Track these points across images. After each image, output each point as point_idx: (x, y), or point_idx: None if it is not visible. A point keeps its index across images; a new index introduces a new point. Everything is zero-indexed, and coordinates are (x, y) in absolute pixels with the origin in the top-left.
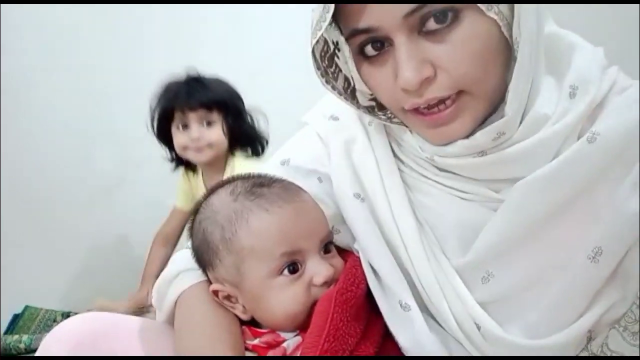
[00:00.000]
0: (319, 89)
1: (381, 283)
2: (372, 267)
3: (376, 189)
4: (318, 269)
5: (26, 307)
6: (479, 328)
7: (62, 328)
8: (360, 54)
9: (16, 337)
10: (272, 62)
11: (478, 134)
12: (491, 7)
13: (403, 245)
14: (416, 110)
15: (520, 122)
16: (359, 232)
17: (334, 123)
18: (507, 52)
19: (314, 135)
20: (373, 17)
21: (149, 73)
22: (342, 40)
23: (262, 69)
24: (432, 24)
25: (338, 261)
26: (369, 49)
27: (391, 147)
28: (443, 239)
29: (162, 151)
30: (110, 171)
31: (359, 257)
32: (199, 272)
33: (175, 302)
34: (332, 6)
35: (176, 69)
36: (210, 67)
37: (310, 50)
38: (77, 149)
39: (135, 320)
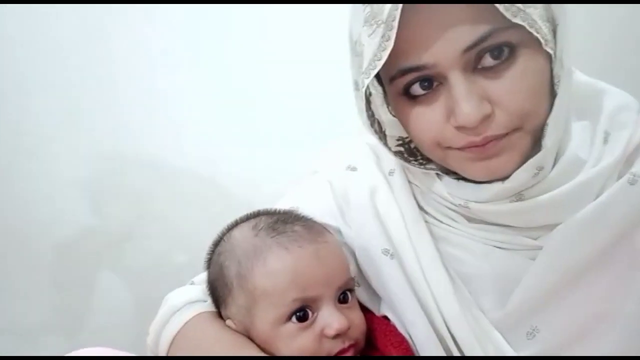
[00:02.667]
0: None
1: (415, 348)
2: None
3: (404, 243)
4: (330, 319)
5: None
6: None
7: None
8: (403, 95)
9: None
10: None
11: (518, 172)
12: (547, 41)
13: (435, 304)
14: (463, 149)
15: (555, 164)
16: (390, 292)
17: (352, 174)
18: (551, 92)
19: (326, 185)
20: (429, 53)
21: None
22: (374, 83)
23: None
24: (488, 60)
25: (356, 314)
26: (416, 89)
27: (415, 198)
28: (478, 293)
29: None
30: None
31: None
32: (203, 304)
33: (176, 336)
34: (391, 43)
35: None
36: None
37: (363, 90)
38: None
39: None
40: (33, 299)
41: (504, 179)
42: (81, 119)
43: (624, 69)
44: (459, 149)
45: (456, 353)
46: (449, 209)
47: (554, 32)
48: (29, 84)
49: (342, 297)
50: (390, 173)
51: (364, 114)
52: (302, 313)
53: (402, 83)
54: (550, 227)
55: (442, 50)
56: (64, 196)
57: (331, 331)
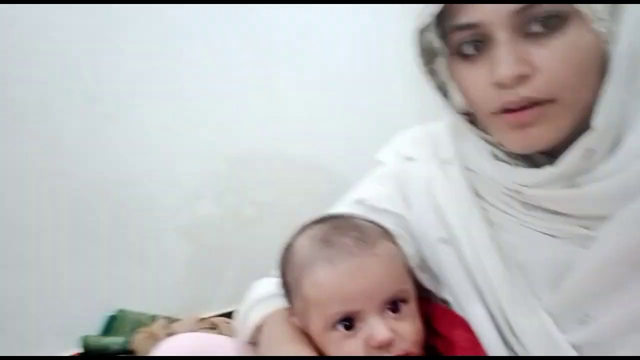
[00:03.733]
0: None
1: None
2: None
3: (460, 230)
4: (374, 330)
5: (119, 310)
6: None
7: (168, 345)
8: (456, 54)
9: (112, 338)
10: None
11: (566, 154)
12: (599, 19)
13: (491, 289)
14: (501, 113)
15: (614, 154)
16: (447, 278)
17: (410, 164)
18: (604, 70)
19: (390, 175)
20: (480, 12)
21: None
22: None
23: None
24: (536, 27)
25: (407, 325)
26: (468, 48)
27: (474, 187)
28: (532, 280)
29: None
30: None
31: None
32: (281, 298)
33: (256, 327)
34: None
35: None
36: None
37: (416, 30)
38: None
39: (229, 340)
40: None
41: (552, 161)
42: (196, 117)
43: None
44: (499, 113)
45: (510, 337)
46: (505, 194)
47: (614, 14)
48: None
49: (393, 307)
50: (448, 161)
51: (420, 60)
52: (348, 322)
53: (454, 41)
54: (604, 218)
55: (493, 10)
56: (187, 187)
57: (374, 342)
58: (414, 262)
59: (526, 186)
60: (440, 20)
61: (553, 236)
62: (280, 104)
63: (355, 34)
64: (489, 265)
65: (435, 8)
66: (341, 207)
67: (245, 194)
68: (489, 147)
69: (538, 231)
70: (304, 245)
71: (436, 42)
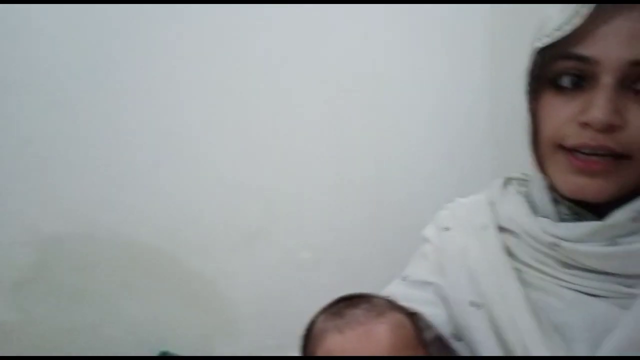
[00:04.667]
0: None
1: None
2: None
3: (493, 294)
4: None
5: (163, 352)
6: None
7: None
8: (550, 82)
9: None
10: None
11: (616, 213)
12: None
13: (525, 352)
14: (570, 153)
15: None
16: (477, 342)
17: (446, 234)
18: None
19: (429, 248)
20: (600, 48)
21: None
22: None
23: None
24: None
25: None
26: (566, 80)
27: (508, 249)
28: (569, 342)
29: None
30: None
31: None
32: None
33: None
34: (579, 19)
35: None
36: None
37: (536, 47)
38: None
39: None
40: (163, 295)
41: (594, 218)
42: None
43: None
44: (566, 153)
45: None
46: (542, 253)
47: None
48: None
49: None
50: (484, 228)
51: (528, 78)
52: None
53: (556, 68)
54: None
55: (612, 52)
56: (192, 197)
57: None
58: (447, 330)
59: (566, 240)
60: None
61: (593, 295)
62: (346, 143)
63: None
64: (523, 328)
65: (564, 32)
66: (390, 286)
67: (301, 237)
68: (528, 206)
69: (577, 290)
70: (320, 319)
71: (537, 64)
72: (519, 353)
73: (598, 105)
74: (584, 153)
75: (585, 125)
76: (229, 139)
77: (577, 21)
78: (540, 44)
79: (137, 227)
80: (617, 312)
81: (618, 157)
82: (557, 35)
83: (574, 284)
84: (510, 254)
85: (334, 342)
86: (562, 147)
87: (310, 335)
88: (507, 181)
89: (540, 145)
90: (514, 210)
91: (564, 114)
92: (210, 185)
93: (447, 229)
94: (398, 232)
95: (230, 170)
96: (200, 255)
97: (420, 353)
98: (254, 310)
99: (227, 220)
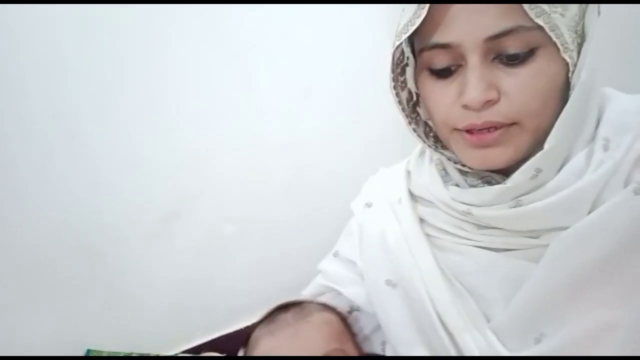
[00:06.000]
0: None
1: None
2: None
3: (409, 269)
4: None
5: (88, 350)
6: None
7: None
8: (427, 69)
9: None
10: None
11: (516, 173)
12: (567, 49)
13: (441, 322)
14: (466, 131)
15: (557, 174)
16: (388, 321)
17: (368, 210)
18: (563, 97)
19: (355, 225)
20: (456, 33)
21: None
22: (408, 53)
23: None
24: (507, 54)
25: None
26: (438, 64)
27: (423, 218)
28: (486, 302)
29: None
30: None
31: None
32: None
33: None
34: (425, 11)
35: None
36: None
37: (392, 51)
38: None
39: None
40: (81, 284)
41: (503, 179)
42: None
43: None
44: (461, 131)
45: None
46: (458, 219)
47: (580, 45)
48: None
49: None
50: (399, 201)
51: (391, 76)
52: None
53: (426, 57)
54: (551, 230)
55: (467, 33)
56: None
57: None
58: (370, 310)
59: (475, 206)
60: (414, 35)
61: (506, 250)
62: (257, 110)
63: None
64: (438, 298)
65: (414, 25)
66: (323, 262)
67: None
68: (441, 175)
69: (490, 249)
70: (257, 329)
71: (408, 53)
72: (436, 327)
73: (471, 85)
74: (473, 131)
75: (466, 107)
76: (139, 117)
77: (422, 12)
78: (399, 40)
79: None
80: (528, 267)
81: (507, 125)
82: (412, 29)
83: (488, 242)
84: (426, 223)
85: (266, 344)
86: (456, 129)
87: (248, 345)
88: (424, 149)
89: (438, 128)
90: (429, 179)
91: (446, 99)
92: (122, 168)
93: (369, 205)
94: (319, 195)
95: (133, 150)
96: (116, 244)
97: (349, 348)
98: (178, 298)
99: (142, 204)
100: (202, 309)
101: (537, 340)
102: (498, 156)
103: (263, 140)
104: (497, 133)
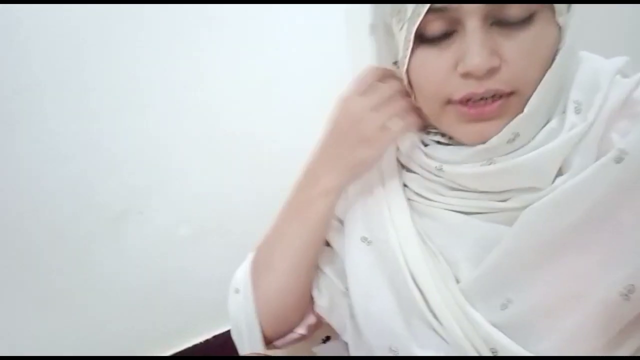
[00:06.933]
0: None
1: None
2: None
3: (385, 229)
4: None
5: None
6: (494, 353)
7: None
8: (420, 39)
9: None
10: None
11: (494, 138)
12: (562, 13)
13: (414, 281)
14: (461, 103)
15: (533, 138)
16: (358, 275)
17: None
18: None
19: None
20: None
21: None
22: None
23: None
24: (507, 18)
25: None
26: (433, 30)
27: (407, 184)
28: (457, 263)
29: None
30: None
31: None
32: None
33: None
34: None
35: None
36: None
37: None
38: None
39: None
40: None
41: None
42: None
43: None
44: (457, 103)
45: (434, 322)
46: (431, 181)
47: (569, 8)
48: None
49: None
50: (386, 167)
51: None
52: None
53: (424, 22)
54: (518, 191)
55: None
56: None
57: None
58: (342, 288)
59: (448, 163)
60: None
61: (478, 213)
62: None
63: None
64: (410, 257)
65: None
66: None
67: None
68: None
69: (461, 212)
70: None
71: (392, 21)
72: (409, 282)
73: (474, 51)
74: (467, 102)
75: (467, 75)
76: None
77: None
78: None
79: None
80: (498, 230)
81: (507, 95)
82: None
83: (459, 205)
84: (407, 188)
85: None
86: (450, 102)
87: None
88: None
89: (427, 103)
90: (409, 145)
91: (441, 68)
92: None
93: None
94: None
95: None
96: (56, 243)
97: None
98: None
99: (88, 202)
100: (155, 314)
101: (504, 307)
102: (497, 128)
103: (217, 129)
104: (496, 105)
